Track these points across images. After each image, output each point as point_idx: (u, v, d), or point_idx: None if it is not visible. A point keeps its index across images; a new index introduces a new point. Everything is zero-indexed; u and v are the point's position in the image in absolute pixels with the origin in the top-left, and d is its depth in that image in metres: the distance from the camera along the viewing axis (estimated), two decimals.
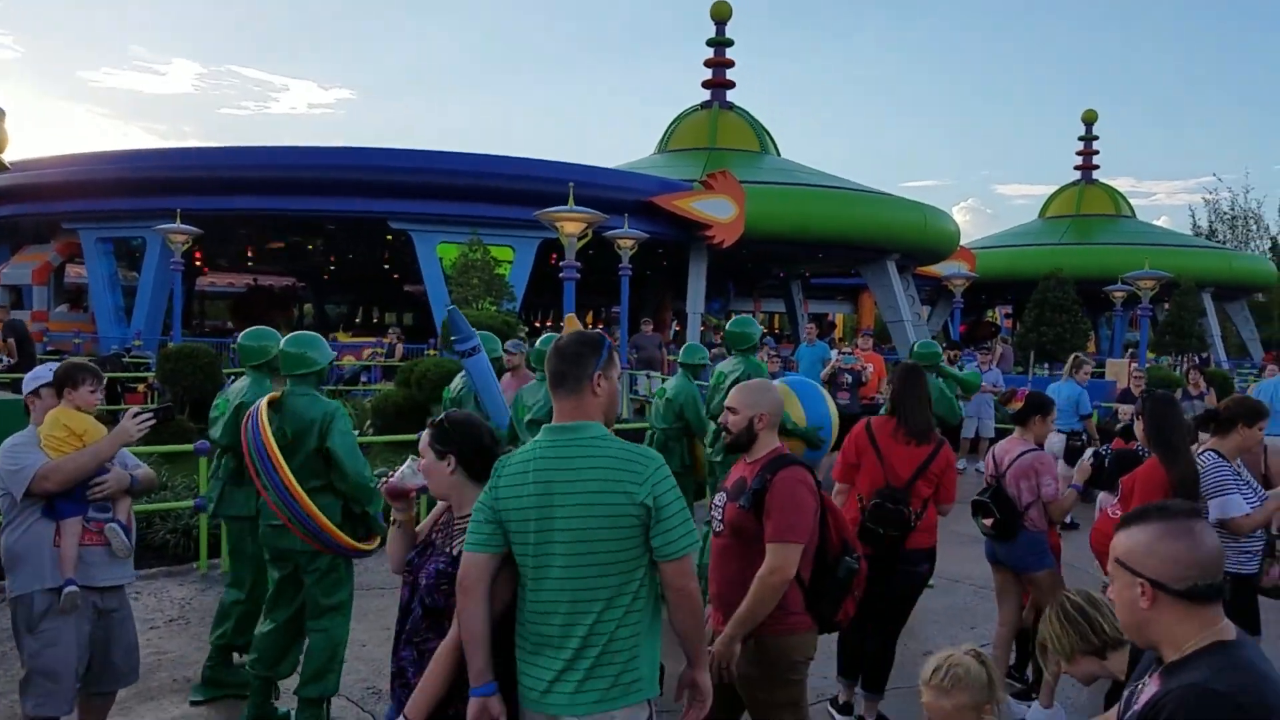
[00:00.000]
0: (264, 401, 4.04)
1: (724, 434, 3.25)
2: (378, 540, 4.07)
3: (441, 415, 2.65)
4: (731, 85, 26.42)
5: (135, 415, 3.66)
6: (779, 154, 26.16)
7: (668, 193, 20.21)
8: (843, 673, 4.76)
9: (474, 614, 2.42)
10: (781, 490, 3.02)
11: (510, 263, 17.72)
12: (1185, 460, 4.44)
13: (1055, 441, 8.71)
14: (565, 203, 11.23)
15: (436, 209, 17.99)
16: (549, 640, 2.44)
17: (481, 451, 2.58)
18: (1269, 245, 40.17)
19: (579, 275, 9.87)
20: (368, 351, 18.69)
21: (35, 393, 3.72)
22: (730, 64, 26.46)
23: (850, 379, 11.48)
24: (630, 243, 13.44)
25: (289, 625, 4.22)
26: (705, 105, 26.29)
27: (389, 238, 19.16)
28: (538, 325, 29.54)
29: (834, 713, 4.72)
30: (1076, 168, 33.32)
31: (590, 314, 34.68)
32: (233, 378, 6.30)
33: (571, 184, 11.17)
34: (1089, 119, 32.63)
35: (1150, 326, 26.28)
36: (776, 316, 38.92)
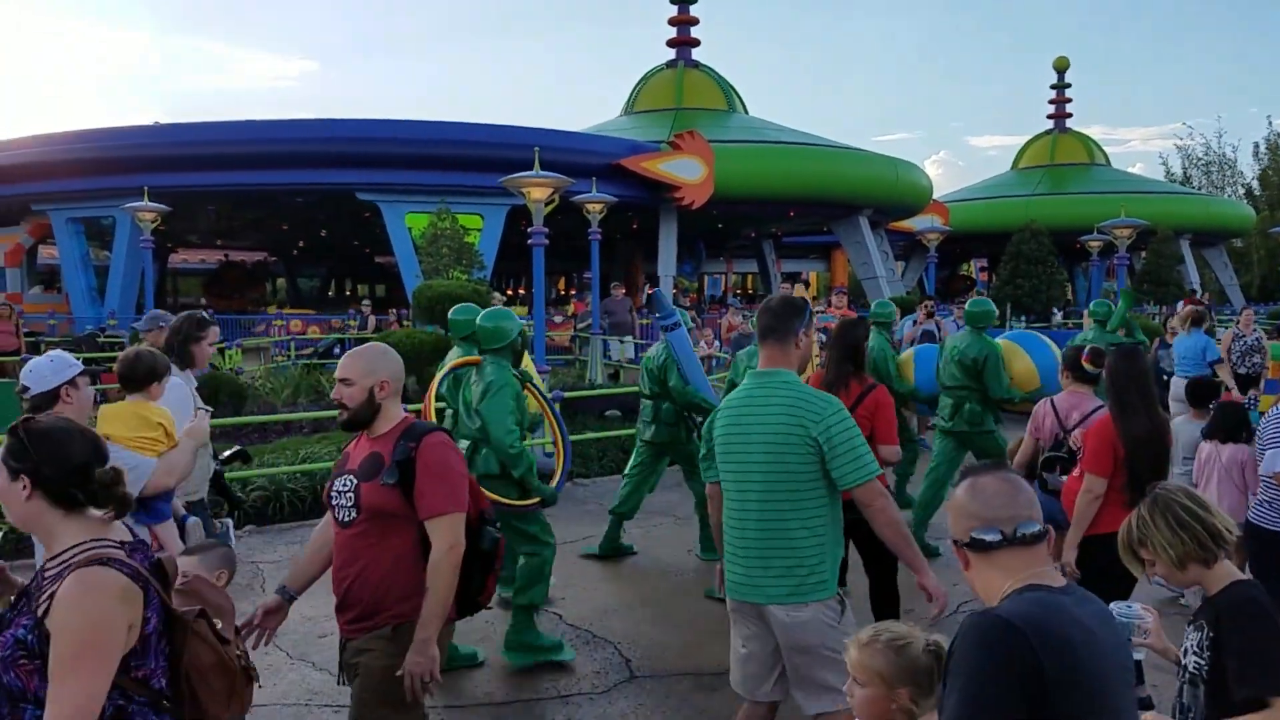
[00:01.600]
0: (444, 370, 4.96)
1: (340, 411, 2.81)
2: (537, 499, 4.61)
3: (19, 420, 1.98)
4: (696, 43, 26.13)
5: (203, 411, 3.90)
6: (747, 112, 25.98)
7: (636, 155, 20.05)
8: None
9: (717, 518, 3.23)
10: (432, 457, 2.69)
11: (479, 231, 17.58)
12: (1139, 418, 4.28)
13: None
14: (532, 168, 11.12)
15: (403, 178, 17.80)
16: (750, 543, 3.03)
17: (71, 472, 1.90)
18: (1244, 190, 40.35)
19: (548, 241, 9.79)
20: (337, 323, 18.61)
21: (72, 383, 3.25)
22: (694, 21, 26.15)
23: (824, 337, 11.51)
24: (599, 206, 13.32)
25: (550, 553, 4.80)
26: (671, 65, 26.02)
27: (359, 210, 18.95)
28: (510, 293, 29.38)
29: None
30: (1049, 116, 33.27)
31: (561, 280, 34.59)
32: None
33: (537, 149, 11.03)
34: (1060, 66, 32.52)
35: (1128, 275, 26.41)
36: (750, 276, 38.90)
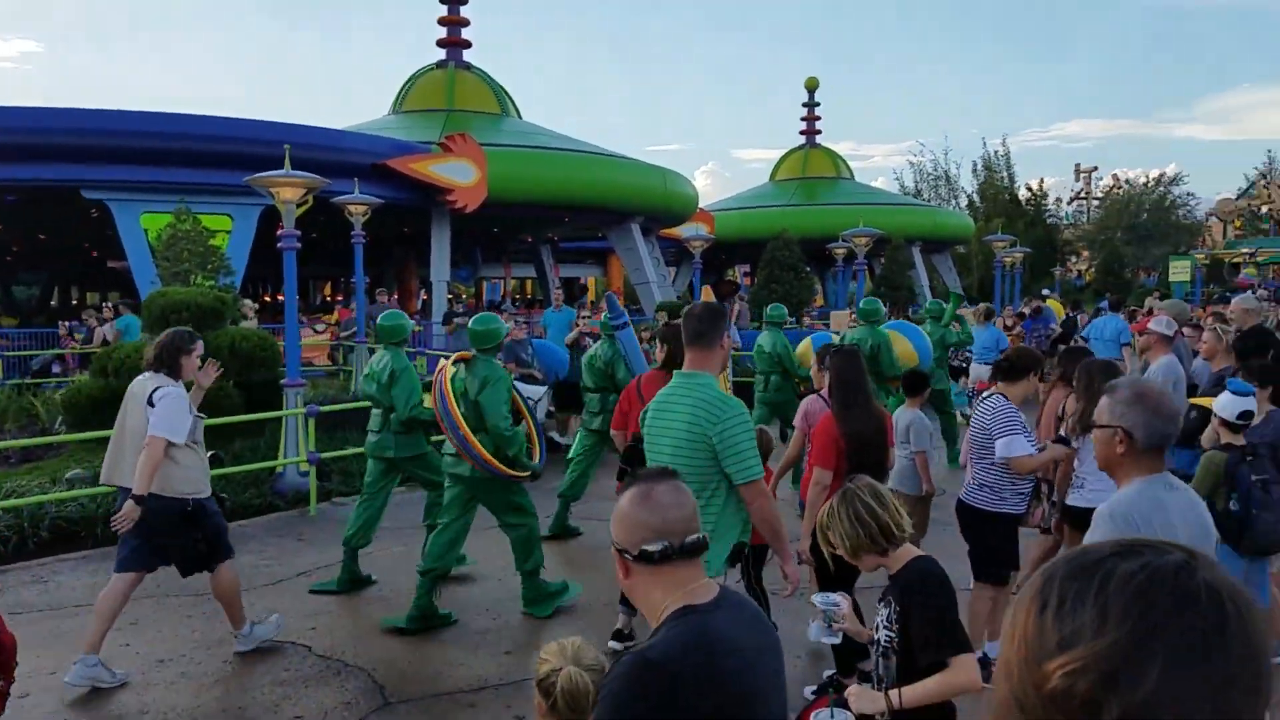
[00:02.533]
0: (449, 365, 5.45)
1: None
2: (528, 473, 5.49)
3: None
4: (467, 45, 25.59)
5: None
6: (520, 116, 25.75)
7: (404, 155, 19.27)
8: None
9: None
10: None
11: (228, 233, 16.22)
12: (858, 413, 4.60)
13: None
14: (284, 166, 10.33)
15: (137, 175, 16.05)
16: None
17: None
18: (967, 202, 44.81)
19: (299, 245, 9.10)
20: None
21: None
22: (465, 23, 25.60)
23: (591, 343, 11.48)
24: (362, 209, 12.64)
25: (460, 530, 5.56)
26: (441, 65, 25.32)
27: (86, 209, 16.93)
28: (267, 299, 27.44)
29: (614, 643, 5.02)
30: (801, 132, 35.42)
31: (327, 285, 32.83)
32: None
33: (288, 146, 10.24)
34: (811, 86, 34.71)
35: (869, 278, 28.61)
36: (529, 282, 38.72)
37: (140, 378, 4.87)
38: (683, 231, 24.91)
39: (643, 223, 24.08)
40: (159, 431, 4.56)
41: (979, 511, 4.73)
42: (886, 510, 2.64)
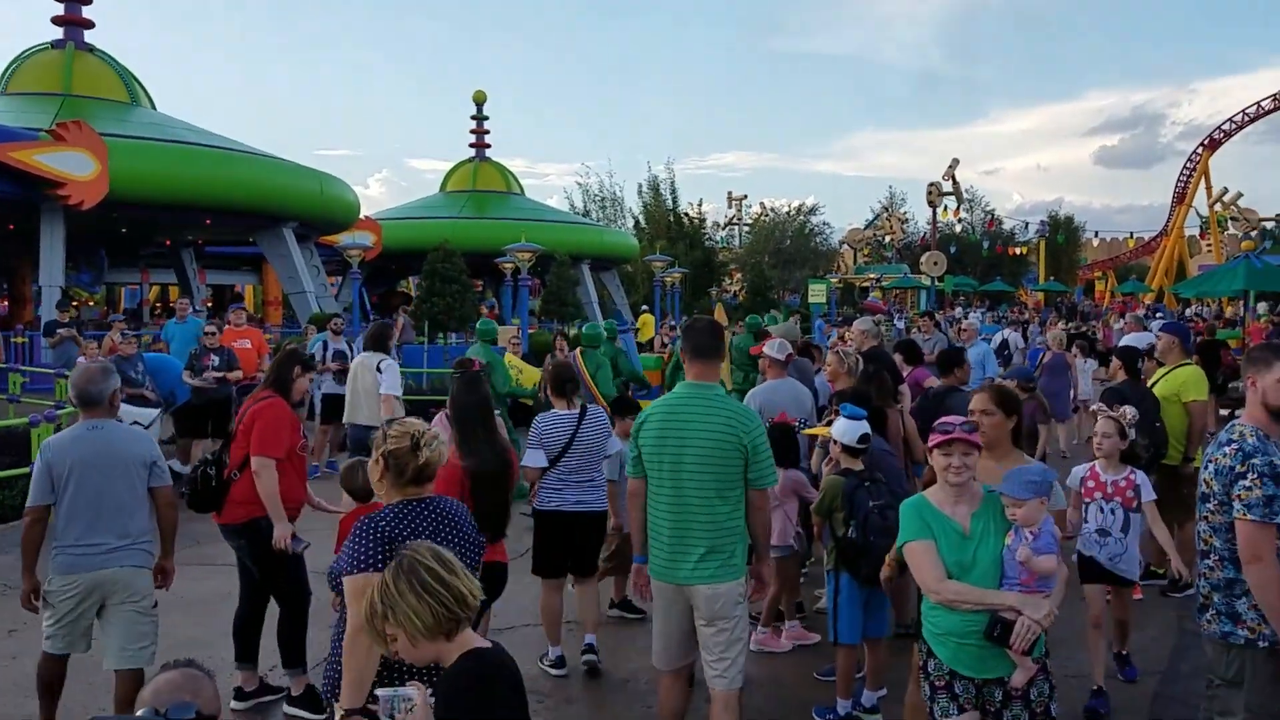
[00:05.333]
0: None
1: None
2: None
3: None
4: (89, 25, 22.92)
5: None
6: (154, 107, 23.51)
7: (5, 143, 16.88)
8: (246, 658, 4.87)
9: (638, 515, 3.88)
10: None
11: None
12: (480, 446, 4.27)
13: None
14: None
15: None
16: (678, 531, 3.65)
17: None
18: (633, 223, 47.30)
19: None
20: None
21: None
22: (87, 1, 22.92)
23: (217, 360, 10.67)
24: None
25: None
26: (57, 44, 22.47)
27: None
28: None
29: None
30: (471, 145, 35.58)
31: None
32: None
33: None
34: (479, 99, 34.98)
35: (534, 294, 29.28)
36: (173, 290, 35.34)
37: None
38: (342, 239, 24.03)
39: (298, 228, 22.93)
40: None
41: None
42: (457, 575, 2.19)
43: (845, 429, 4.70)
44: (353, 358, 12.40)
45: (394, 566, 2.21)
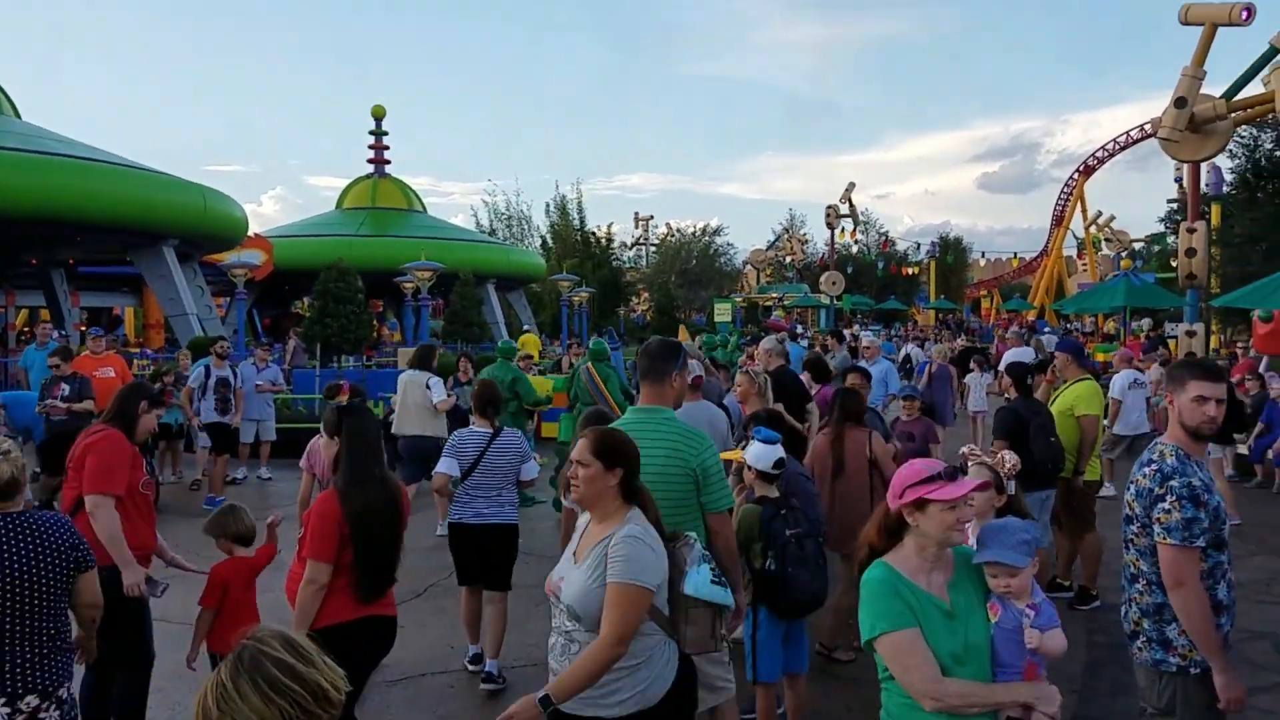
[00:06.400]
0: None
1: None
2: None
3: None
4: None
5: None
6: (19, 116, 21.80)
7: None
8: None
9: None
10: None
11: None
12: (369, 486, 3.81)
13: None
14: None
15: None
16: None
17: None
18: (540, 242, 46.58)
19: None
20: None
21: None
22: None
23: (67, 389, 9.63)
24: None
25: None
26: None
27: None
28: None
29: None
30: (370, 160, 34.39)
31: None
32: None
33: None
34: (378, 114, 33.86)
35: (436, 314, 28.26)
36: (44, 313, 32.97)
37: None
38: (228, 258, 22.65)
39: (179, 246, 21.47)
40: None
41: None
42: (314, 666, 1.75)
43: (759, 454, 4.37)
44: (238, 383, 11.43)
45: (232, 661, 1.73)
